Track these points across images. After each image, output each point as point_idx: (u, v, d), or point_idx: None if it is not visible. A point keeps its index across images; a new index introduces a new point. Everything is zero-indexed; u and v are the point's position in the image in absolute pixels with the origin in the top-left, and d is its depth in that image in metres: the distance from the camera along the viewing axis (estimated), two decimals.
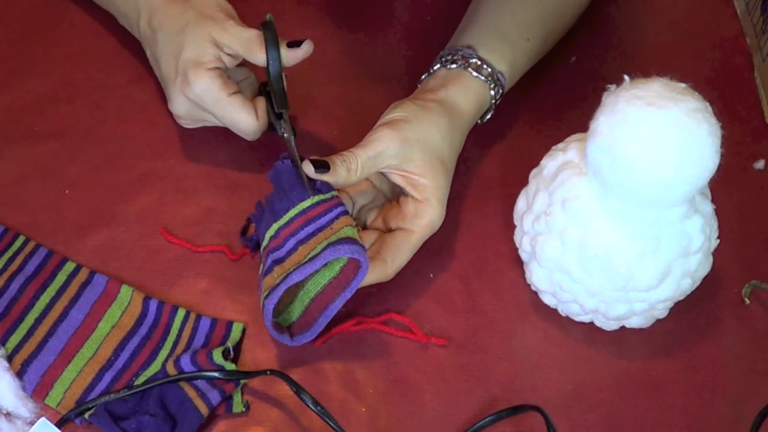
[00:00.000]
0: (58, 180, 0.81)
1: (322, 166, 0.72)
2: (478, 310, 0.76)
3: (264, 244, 0.72)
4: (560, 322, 0.76)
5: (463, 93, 0.78)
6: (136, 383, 0.70)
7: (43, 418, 0.65)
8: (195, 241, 0.78)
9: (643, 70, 0.67)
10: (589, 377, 0.74)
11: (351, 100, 0.88)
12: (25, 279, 0.74)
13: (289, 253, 0.70)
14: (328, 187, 0.73)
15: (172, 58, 0.78)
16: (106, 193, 0.81)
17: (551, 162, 0.72)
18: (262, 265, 0.72)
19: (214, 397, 0.69)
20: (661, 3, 0.98)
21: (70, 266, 0.76)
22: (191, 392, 0.69)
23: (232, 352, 0.71)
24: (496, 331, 0.75)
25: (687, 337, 0.76)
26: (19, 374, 0.70)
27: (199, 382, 0.69)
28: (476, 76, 0.79)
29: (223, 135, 0.84)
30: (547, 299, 0.75)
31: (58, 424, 0.66)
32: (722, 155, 0.64)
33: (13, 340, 0.72)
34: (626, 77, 0.66)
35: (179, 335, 0.73)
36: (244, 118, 0.77)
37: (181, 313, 0.74)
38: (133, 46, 0.87)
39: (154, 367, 0.71)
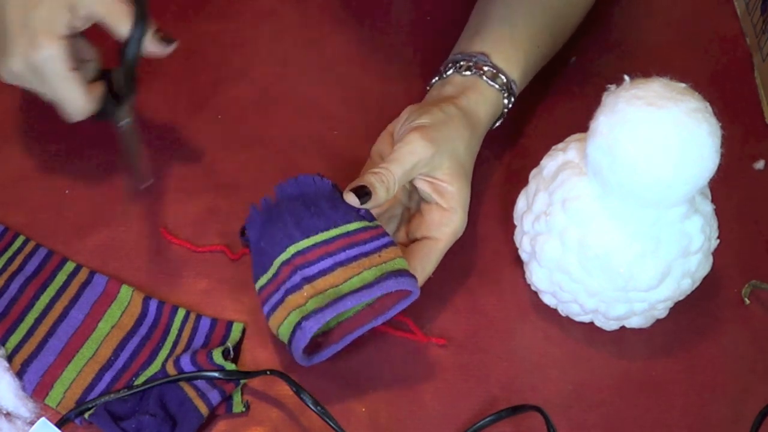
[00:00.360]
0: (58, 180, 0.81)
1: (365, 194, 0.70)
2: (478, 310, 0.76)
3: (284, 257, 0.69)
4: (560, 322, 0.76)
5: (482, 103, 0.78)
6: (136, 383, 0.70)
7: (43, 418, 0.65)
8: (195, 241, 0.78)
9: (643, 70, 0.67)
10: (589, 377, 0.74)
11: (351, 100, 0.88)
12: (24, 279, 0.74)
13: (323, 273, 0.68)
14: (370, 214, 0.71)
15: (21, 9, 0.71)
16: (106, 193, 0.81)
17: (551, 162, 0.72)
18: (272, 276, 0.69)
19: (214, 397, 0.69)
20: (661, 3, 0.98)
21: (70, 266, 0.76)
22: (191, 392, 0.69)
23: (232, 352, 0.71)
24: (496, 331, 0.75)
25: (687, 337, 0.76)
26: (19, 374, 0.70)
27: (199, 382, 0.69)
28: (491, 85, 0.79)
29: (223, 134, 0.84)
30: (547, 299, 0.75)
31: (58, 424, 0.66)
32: (722, 155, 0.64)
33: (13, 340, 0.72)
34: (626, 77, 0.66)
35: (179, 335, 0.73)
36: (77, 98, 0.72)
37: (181, 313, 0.74)
38: None
39: (154, 367, 0.71)
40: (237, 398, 0.70)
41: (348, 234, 0.69)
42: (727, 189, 0.75)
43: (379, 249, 0.69)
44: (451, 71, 0.80)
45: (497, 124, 0.81)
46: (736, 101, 0.89)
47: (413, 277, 0.69)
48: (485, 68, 0.79)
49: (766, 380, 0.74)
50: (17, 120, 0.85)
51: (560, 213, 0.69)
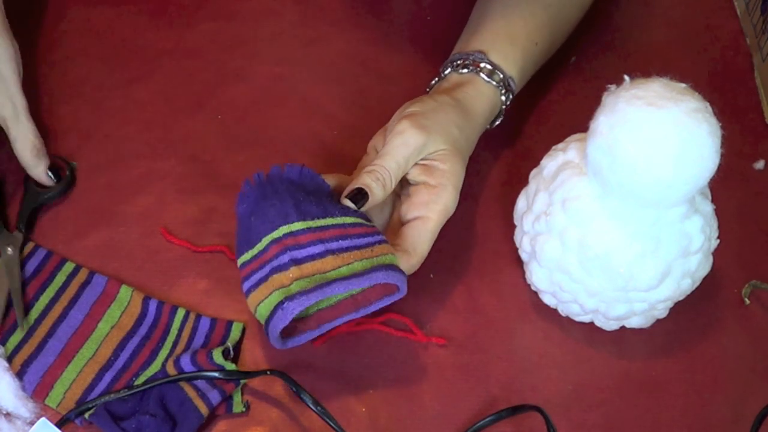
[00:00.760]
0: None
1: (362, 198, 0.70)
2: (478, 310, 0.76)
3: (275, 235, 0.68)
4: (560, 322, 0.76)
5: (478, 97, 0.78)
6: (136, 383, 0.70)
7: (43, 418, 0.65)
8: (195, 241, 0.78)
9: (643, 70, 0.67)
10: (589, 377, 0.74)
11: (351, 100, 0.88)
12: (24, 279, 0.74)
13: (312, 257, 0.67)
14: (366, 216, 0.71)
15: None
16: (106, 193, 0.81)
17: (551, 162, 0.72)
18: (257, 252, 0.69)
19: (214, 397, 0.69)
20: (661, 3, 0.98)
21: (69, 266, 0.76)
22: (191, 392, 0.69)
23: (232, 352, 0.71)
24: (496, 331, 0.75)
25: (687, 337, 0.76)
26: (19, 374, 0.70)
27: (199, 382, 0.69)
28: (488, 81, 0.78)
29: (223, 134, 0.84)
30: (547, 299, 0.75)
31: (58, 424, 0.66)
32: (722, 155, 0.64)
33: (13, 341, 0.72)
34: (626, 77, 0.65)
35: (179, 335, 0.73)
36: None
37: (180, 313, 0.74)
38: (133, 46, 0.87)
39: (154, 367, 0.71)
40: (237, 398, 0.70)
41: (343, 226, 0.69)
42: (727, 189, 0.75)
43: (372, 244, 0.69)
44: (448, 70, 0.80)
45: (497, 123, 0.81)
46: (736, 101, 0.89)
47: (403, 274, 0.69)
48: (482, 65, 0.79)
49: (766, 380, 0.74)
50: None
51: (560, 213, 0.69)
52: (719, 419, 0.72)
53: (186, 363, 0.69)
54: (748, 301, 0.77)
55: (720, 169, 0.64)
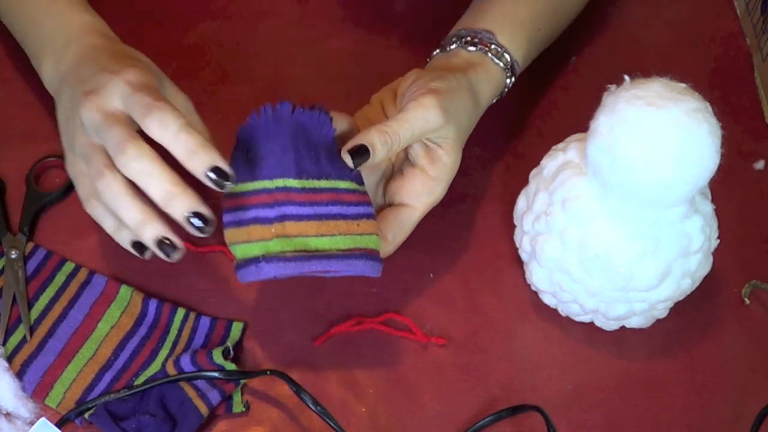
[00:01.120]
0: (58, 180, 0.81)
1: (362, 156, 0.68)
2: (478, 310, 0.76)
3: (269, 185, 0.66)
4: (560, 322, 0.76)
5: (487, 81, 0.77)
6: (136, 383, 0.70)
7: (43, 418, 0.65)
8: (195, 241, 0.78)
9: (643, 70, 0.67)
10: (589, 377, 0.74)
11: (351, 100, 0.87)
12: (24, 279, 0.74)
13: (300, 218, 0.66)
14: (360, 177, 0.69)
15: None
16: None
17: (551, 162, 0.72)
18: (247, 191, 0.67)
19: (214, 397, 0.69)
20: (661, 3, 0.98)
21: (69, 266, 0.76)
22: (191, 392, 0.69)
23: (232, 352, 0.71)
24: (496, 331, 0.75)
25: (687, 337, 0.76)
26: (19, 375, 0.70)
27: (199, 382, 0.69)
28: (497, 63, 0.78)
29: (223, 134, 0.84)
30: (547, 299, 0.75)
31: (58, 424, 0.66)
32: (722, 155, 0.64)
33: (13, 341, 0.72)
34: (626, 77, 0.65)
35: (179, 335, 0.73)
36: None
37: (180, 313, 0.74)
38: (133, 46, 0.87)
39: (154, 367, 0.71)
40: (237, 398, 0.70)
41: (336, 191, 0.68)
42: (727, 189, 0.75)
43: (359, 217, 0.68)
44: (455, 45, 0.79)
45: (494, 101, 0.80)
46: (736, 101, 0.89)
47: (380, 263, 0.68)
48: (491, 46, 0.78)
49: (766, 380, 0.74)
50: (17, 120, 0.85)
51: (560, 213, 0.69)
52: (719, 419, 0.72)
53: (186, 363, 0.69)
54: (748, 301, 0.77)
55: (720, 169, 0.64)
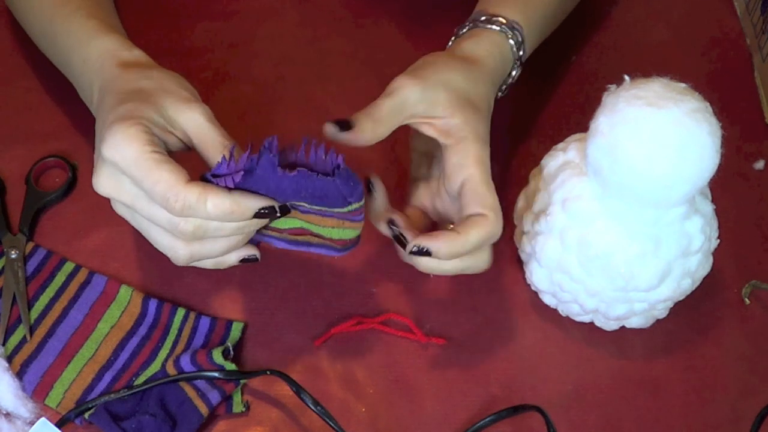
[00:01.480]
0: (58, 180, 0.81)
1: (346, 125, 0.66)
2: (478, 310, 0.76)
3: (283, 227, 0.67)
4: (560, 322, 0.76)
5: (477, 43, 0.74)
6: (136, 383, 0.70)
7: (43, 418, 0.65)
8: None
9: (643, 70, 0.67)
10: (589, 377, 0.74)
11: (351, 100, 0.87)
12: (24, 279, 0.74)
13: (294, 209, 0.65)
14: (360, 195, 0.65)
15: (106, 115, 0.65)
16: None
17: (551, 162, 0.72)
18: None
19: (214, 397, 0.69)
20: (661, 3, 0.98)
21: (69, 266, 0.76)
22: (191, 392, 0.69)
23: (232, 352, 0.71)
24: (496, 331, 0.75)
25: (687, 337, 0.76)
26: (19, 375, 0.70)
27: (199, 382, 0.69)
28: (489, 27, 0.75)
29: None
30: (547, 299, 0.75)
31: (58, 424, 0.66)
32: (722, 155, 0.64)
33: (13, 341, 0.72)
34: (626, 77, 0.66)
35: (179, 335, 0.73)
36: (166, 178, 0.61)
37: (180, 313, 0.74)
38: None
39: (154, 367, 0.71)
40: (237, 398, 0.70)
41: (327, 213, 0.65)
42: (727, 189, 0.75)
43: (347, 220, 0.65)
44: (451, 41, 0.77)
45: (515, 74, 0.77)
46: (736, 101, 0.89)
47: (352, 247, 0.67)
48: (481, 18, 0.75)
49: (766, 380, 0.74)
50: (17, 120, 0.85)
51: (560, 213, 0.69)
52: (719, 419, 0.72)
53: (186, 363, 0.69)
54: (748, 301, 0.77)
55: (720, 169, 0.64)
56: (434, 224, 0.74)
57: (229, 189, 0.63)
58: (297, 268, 0.77)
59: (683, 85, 0.65)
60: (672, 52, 0.94)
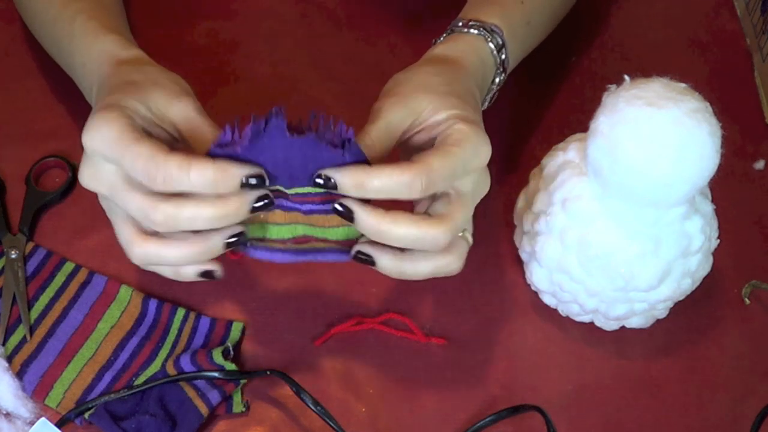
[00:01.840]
0: (58, 180, 0.81)
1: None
2: (478, 310, 0.76)
3: (273, 187, 0.63)
4: (560, 322, 0.76)
5: (451, 47, 0.71)
6: (136, 383, 0.70)
7: (43, 418, 0.65)
8: None
9: (643, 70, 0.67)
10: (589, 377, 0.74)
11: (351, 100, 0.88)
12: (24, 279, 0.74)
13: (289, 209, 0.64)
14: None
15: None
16: None
17: (551, 162, 0.72)
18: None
19: (214, 397, 0.69)
20: (661, 3, 0.98)
21: (69, 266, 0.76)
22: (191, 392, 0.69)
23: (232, 352, 0.71)
24: (496, 331, 0.75)
25: (687, 337, 0.76)
26: (19, 375, 0.70)
27: (199, 382, 0.69)
28: (466, 31, 0.73)
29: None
30: (547, 299, 0.75)
31: (58, 424, 0.66)
32: (722, 155, 0.64)
33: (13, 341, 0.72)
34: (626, 77, 0.65)
35: (179, 335, 0.73)
36: (147, 151, 0.59)
37: (180, 313, 0.74)
38: None
39: (154, 367, 0.71)
40: (237, 398, 0.70)
41: (330, 194, 0.63)
42: (727, 189, 0.75)
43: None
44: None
45: (500, 79, 0.75)
46: (736, 101, 0.89)
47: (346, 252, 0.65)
48: (457, 25, 0.74)
49: (766, 380, 0.74)
50: (17, 120, 0.85)
51: (560, 213, 0.69)
52: (719, 419, 0.72)
53: (186, 363, 0.69)
54: (748, 301, 0.77)
55: (720, 169, 0.64)
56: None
57: (215, 158, 0.60)
58: (297, 269, 0.77)
59: (683, 85, 0.65)
60: (672, 52, 0.94)
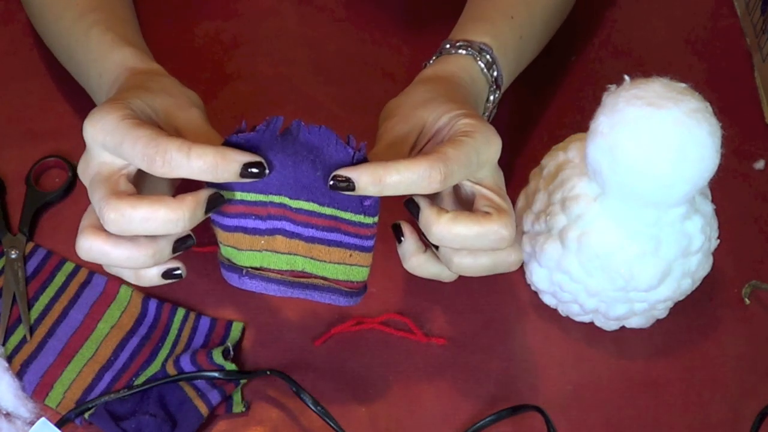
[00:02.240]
0: (58, 180, 0.81)
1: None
2: (478, 310, 0.76)
3: (274, 199, 0.63)
4: (560, 322, 0.76)
5: (442, 68, 0.72)
6: (135, 383, 0.70)
7: (43, 418, 0.65)
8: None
9: (643, 70, 0.67)
10: (589, 377, 0.74)
11: (351, 100, 0.88)
12: (24, 279, 0.74)
13: (292, 236, 0.64)
14: (376, 208, 0.63)
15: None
16: None
17: (551, 162, 0.72)
18: (254, 201, 0.63)
19: (214, 397, 0.69)
20: (661, 3, 0.98)
21: (69, 266, 0.76)
22: (191, 392, 0.69)
23: (232, 352, 0.71)
24: (496, 331, 0.75)
25: (687, 337, 0.76)
26: (19, 375, 0.70)
27: (199, 382, 0.69)
28: (454, 53, 0.73)
29: (223, 135, 0.84)
30: (547, 299, 0.75)
31: (58, 424, 0.66)
32: (722, 155, 0.64)
33: (13, 341, 0.72)
34: (626, 77, 0.65)
35: (179, 335, 0.73)
36: (147, 134, 0.58)
37: (180, 313, 0.74)
38: None
39: (154, 367, 0.71)
40: (237, 398, 0.70)
41: (336, 219, 0.63)
42: (727, 189, 0.75)
43: (355, 248, 0.64)
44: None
45: (494, 97, 0.75)
46: (736, 101, 0.89)
47: (362, 294, 0.66)
48: (446, 47, 0.74)
49: (766, 380, 0.74)
50: (17, 120, 0.85)
51: (560, 213, 0.69)
52: (719, 419, 0.72)
53: (186, 363, 0.69)
54: (748, 301, 0.77)
55: (720, 169, 0.64)
56: None
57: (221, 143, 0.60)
58: None
59: (683, 85, 0.65)
60: (672, 52, 0.94)
